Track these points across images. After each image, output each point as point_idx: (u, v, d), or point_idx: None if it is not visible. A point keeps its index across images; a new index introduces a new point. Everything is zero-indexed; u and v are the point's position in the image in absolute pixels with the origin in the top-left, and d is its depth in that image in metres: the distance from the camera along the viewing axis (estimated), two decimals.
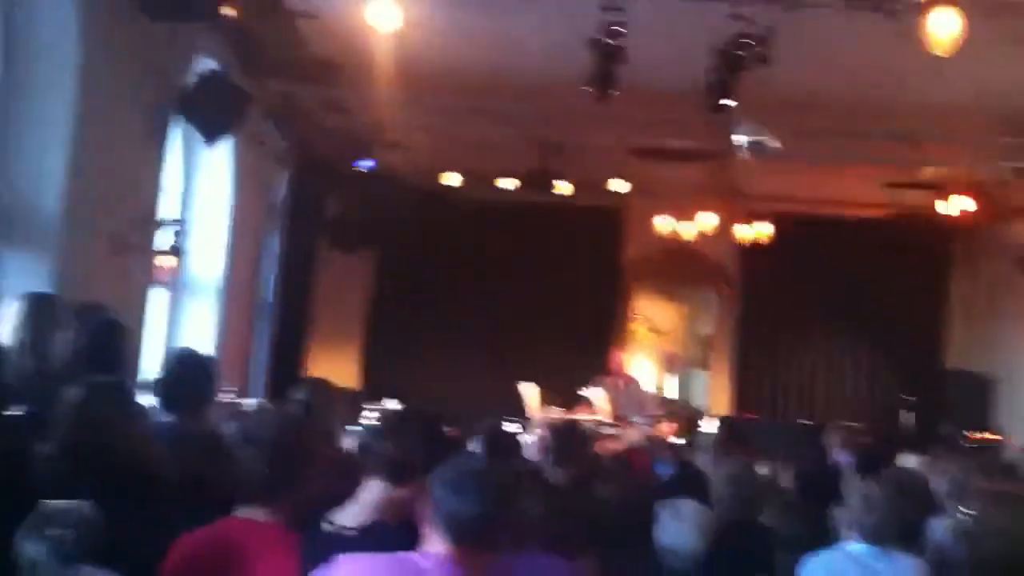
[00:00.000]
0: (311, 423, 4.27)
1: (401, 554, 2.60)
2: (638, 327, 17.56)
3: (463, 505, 2.54)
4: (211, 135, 7.95)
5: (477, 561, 2.57)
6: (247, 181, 10.02)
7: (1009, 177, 12.20)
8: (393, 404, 9.67)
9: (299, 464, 3.26)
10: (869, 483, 4.41)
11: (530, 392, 10.72)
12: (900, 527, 4.27)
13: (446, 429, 7.12)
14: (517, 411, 11.01)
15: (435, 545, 2.57)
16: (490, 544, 2.60)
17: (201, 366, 4.49)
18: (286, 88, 9.82)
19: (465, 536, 2.55)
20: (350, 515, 3.06)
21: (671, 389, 18.44)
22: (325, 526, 3.05)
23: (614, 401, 10.75)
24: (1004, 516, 4.19)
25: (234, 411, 5.88)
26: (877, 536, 4.14)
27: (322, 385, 5.00)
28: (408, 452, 3.04)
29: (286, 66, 8.56)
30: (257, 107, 9.16)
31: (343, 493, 3.18)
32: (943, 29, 5.88)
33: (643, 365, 17.96)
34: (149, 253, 7.79)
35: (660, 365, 19.18)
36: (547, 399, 10.83)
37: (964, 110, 10.72)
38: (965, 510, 4.36)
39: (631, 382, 11.39)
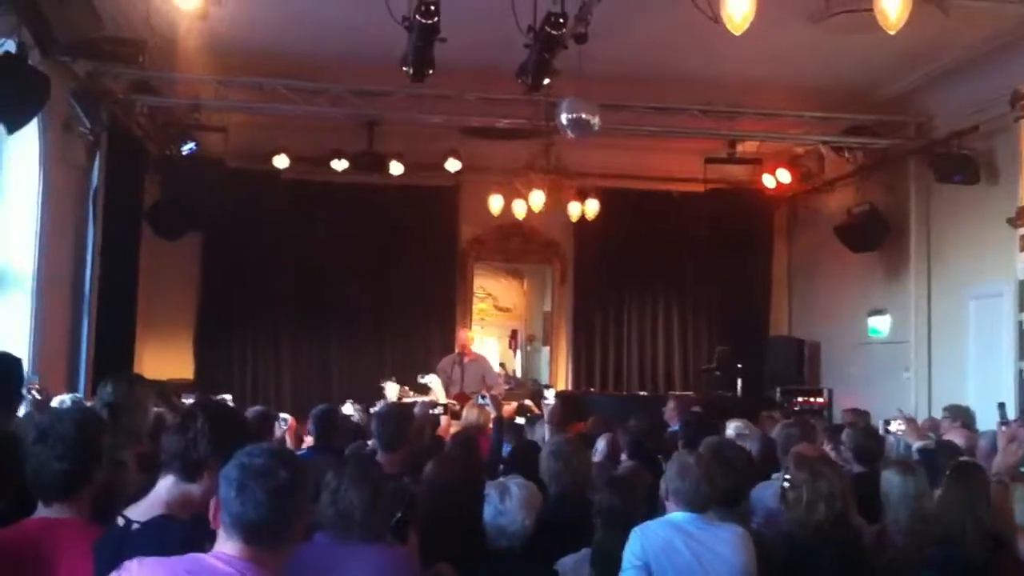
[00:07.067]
0: (113, 419, 4.11)
1: (194, 555, 2.48)
2: (483, 305, 17.66)
3: (245, 506, 2.44)
4: (12, 122, 7.52)
5: (271, 558, 2.49)
6: (58, 168, 9.52)
7: (823, 150, 12.77)
8: (226, 396, 9.39)
9: (95, 461, 3.24)
10: (683, 452, 4.49)
11: (391, 387, 10.59)
12: (717, 494, 4.36)
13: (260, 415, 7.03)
14: (365, 396, 10.91)
15: (226, 544, 2.47)
16: (279, 541, 2.51)
17: (4, 368, 4.35)
18: (90, 69, 9.33)
19: (252, 536, 2.45)
20: (142, 509, 2.99)
21: (517, 366, 18.68)
22: (118, 520, 2.99)
23: (457, 382, 10.77)
24: (821, 481, 4.34)
25: (42, 409, 5.64)
26: (695, 504, 4.19)
27: (130, 379, 4.79)
28: (193, 448, 2.95)
29: (87, 46, 8.12)
30: (61, 90, 8.71)
31: (144, 488, 3.10)
32: (736, 8, 6.08)
33: (489, 343, 18.11)
34: None
35: (506, 342, 19.40)
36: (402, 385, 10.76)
37: (778, 86, 11.13)
38: (787, 475, 4.50)
39: (476, 360, 11.40)
